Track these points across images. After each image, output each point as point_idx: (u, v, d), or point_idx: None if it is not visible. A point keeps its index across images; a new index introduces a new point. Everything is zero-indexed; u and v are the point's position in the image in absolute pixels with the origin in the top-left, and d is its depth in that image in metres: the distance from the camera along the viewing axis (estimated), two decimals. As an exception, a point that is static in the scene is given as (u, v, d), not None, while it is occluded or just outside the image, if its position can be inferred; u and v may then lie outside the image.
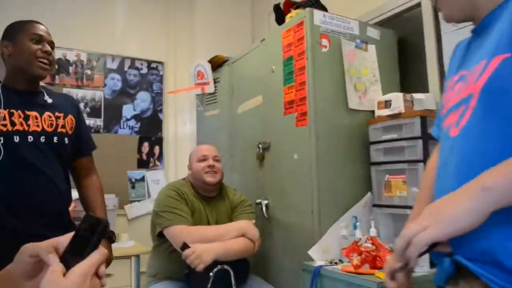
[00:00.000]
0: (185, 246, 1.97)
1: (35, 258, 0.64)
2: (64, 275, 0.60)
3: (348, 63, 2.25)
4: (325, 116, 2.17)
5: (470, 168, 0.84)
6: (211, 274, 2.06)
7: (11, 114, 1.61)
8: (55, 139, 1.70)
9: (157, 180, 3.42)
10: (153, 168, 3.50)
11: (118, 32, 3.51)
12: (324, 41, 2.23)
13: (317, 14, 2.24)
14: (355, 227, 2.02)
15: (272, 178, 2.44)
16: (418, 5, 2.42)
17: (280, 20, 2.61)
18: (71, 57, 3.34)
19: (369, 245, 1.78)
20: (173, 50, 3.65)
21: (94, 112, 3.37)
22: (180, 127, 3.59)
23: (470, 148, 0.87)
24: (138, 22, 3.57)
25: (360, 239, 1.87)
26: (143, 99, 3.53)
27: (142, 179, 3.43)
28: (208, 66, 3.13)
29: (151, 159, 3.50)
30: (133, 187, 3.41)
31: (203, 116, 3.29)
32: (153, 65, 3.60)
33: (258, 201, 2.48)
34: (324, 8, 2.46)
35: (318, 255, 2.04)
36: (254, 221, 2.25)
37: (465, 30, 2.11)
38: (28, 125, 1.63)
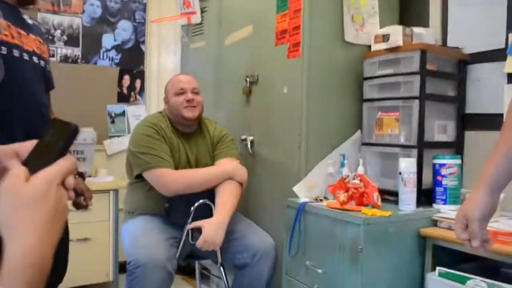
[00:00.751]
0: (193, 233, 1.90)
1: None
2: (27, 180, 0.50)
3: (347, -7, 2.09)
4: (319, 48, 2.03)
5: None
6: (192, 208, 2.00)
7: (8, 27, 1.38)
8: (42, 63, 1.51)
9: (138, 116, 3.27)
10: (134, 103, 3.34)
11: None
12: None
13: None
14: (342, 165, 1.95)
15: (259, 113, 2.33)
16: None
17: None
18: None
19: (357, 181, 1.71)
20: (158, -24, 3.40)
21: (72, 41, 3.16)
22: (163, 60, 3.39)
23: None
24: None
25: (348, 176, 1.79)
26: (124, 29, 3.31)
27: (123, 113, 3.28)
28: (195, -6, 2.92)
29: (132, 93, 3.34)
30: (112, 121, 3.26)
31: (189, 48, 3.11)
32: (136, -8, 3.35)
33: (243, 137, 2.38)
34: None
35: (304, 192, 1.97)
36: (238, 160, 2.16)
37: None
38: (22, 42, 1.42)
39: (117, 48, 3.29)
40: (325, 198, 1.91)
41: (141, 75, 3.36)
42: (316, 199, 1.90)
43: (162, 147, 2.01)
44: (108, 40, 3.26)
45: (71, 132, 0.56)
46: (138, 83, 3.35)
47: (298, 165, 2.03)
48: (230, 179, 2.05)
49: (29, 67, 1.43)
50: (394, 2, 2.31)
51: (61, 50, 3.12)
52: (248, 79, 2.36)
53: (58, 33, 3.11)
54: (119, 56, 3.29)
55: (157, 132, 2.04)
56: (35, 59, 1.46)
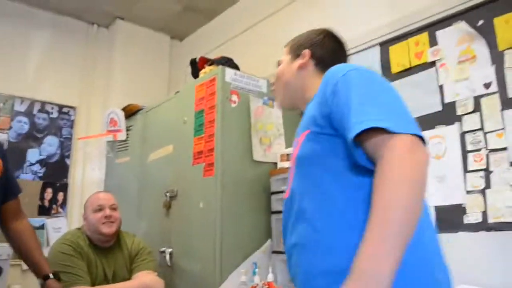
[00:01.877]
0: None
1: None
2: None
3: (255, 118, 2.42)
4: (231, 167, 2.28)
5: (296, 224, 1.06)
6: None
7: None
8: None
9: (59, 228, 3.26)
10: (55, 215, 3.35)
11: (31, 74, 3.44)
12: (234, 97, 2.39)
13: (229, 71, 2.41)
14: (254, 273, 2.10)
15: (177, 226, 2.47)
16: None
17: (195, 74, 2.76)
18: (-24, 96, 3.20)
19: (265, 289, 1.86)
20: (87, 96, 3.64)
21: (-5, 155, 3.20)
22: (88, 174, 3.50)
23: (295, 207, 1.08)
24: (52, 64, 3.54)
25: (257, 284, 1.94)
26: (50, 144, 3.43)
27: (42, 227, 3.26)
28: (121, 114, 3.16)
29: (54, 205, 3.36)
30: (31, 235, 3.21)
31: (113, 163, 3.27)
32: (65, 109, 3.54)
33: (162, 249, 2.48)
34: (236, 67, 2.65)
35: (219, 302, 2.07)
36: (156, 272, 2.23)
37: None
38: None
39: (42, 162, 3.37)
40: (238, 306, 2.02)
41: (64, 188, 3.43)
42: (230, 309, 2.00)
43: (78, 264, 2.04)
44: (33, 155, 3.34)
45: None
46: (61, 195, 3.40)
47: (214, 275, 2.14)
48: None
49: None
50: (298, 124, 2.67)
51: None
52: (168, 193, 2.53)
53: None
54: (43, 170, 3.36)
55: (74, 249, 2.07)
56: None
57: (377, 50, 2.34)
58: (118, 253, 2.23)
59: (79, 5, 3.55)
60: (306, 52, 1.28)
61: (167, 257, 2.44)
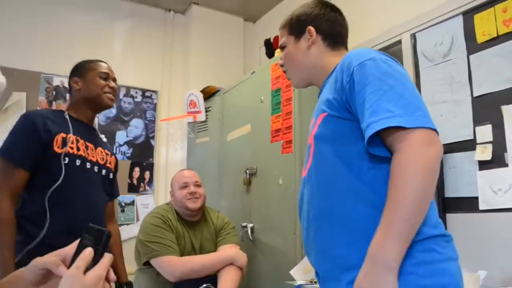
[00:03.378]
0: None
1: (44, 271, 0.71)
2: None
3: (331, 96, 2.42)
4: (309, 143, 2.31)
5: (314, 199, 1.12)
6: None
7: (77, 141, 1.79)
8: (104, 171, 1.90)
9: (147, 204, 3.51)
10: (143, 193, 3.59)
11: (115, 61, 3.67)
12: (310, 75, 2.40)
13: (304, 50, 2.42)
14: (335, 248, 2.13)
15: (257, 202, 2.56)
16: (399, 42, 2.62)
17: (270, 54, 2.80)
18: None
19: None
20: (167, 80, 3.82)
21: (88, 137, 3.49)
22: (171, 154, 3.71)
23: (312, 183, 1.13)
24: (134, 51, 3.74)
25: (338, 258, 1.97)
26: (136, 126, 3.66)
27: (132, 203, 3.52)
28: (200, 96, 3.29)
29: (142, 183, 3.60)
30: (122, 210, 3.49)
31: (194, 143, 3.42)
32: (148, 93, 3.75)
33: (244, 224, 2.59)
34: (310, 45, 2.64)
35: (300, 275, 2.13)
36: (239, 246, 2.34)
37: (440, 66, 2.30)
38: (87, 153, 1.82)
39: (129, 143, 3.61)
40: (319, 280, 2.07)
41: (150, 167, 3.66)
42: (311, 281, 2.06)
43: (168, 235, 2.20)
44: (121, 137, 3.59)
45: (106, 237, 0.73)
46: (147, 174, 3.63)
47: (294, 250, 2.21)
48: (231, 264, 2.21)
49: (89, 174, 1.83)
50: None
51: (78, 146, 3.43)
52: (247, 171, 2.63)
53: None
54: (130, 150, 3.61)
55: (164, 222, 2.23)
56: (96, 168, 1.85)
57: (459, 20, 2.22)
58: (204, 227, 2.36)
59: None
60: (311, 29, 1.27)
61: (249, 231, 2.55)
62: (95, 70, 1.89)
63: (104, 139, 2.03)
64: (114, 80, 1.96)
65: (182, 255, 2.22)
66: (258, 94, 2.64)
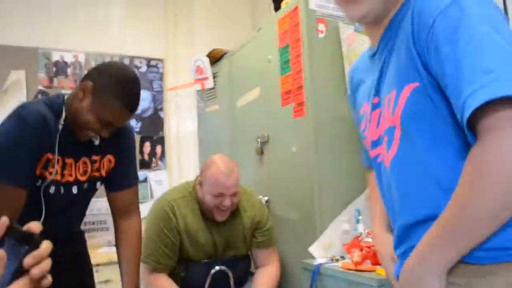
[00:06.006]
0: None
1: None
2: None
3: (347, 48, 2.12)
4: (324, 105, 2.04)
5: (407, 192, 0.89)
6: (208, 277, 1.97)
7: (57, 161, 1.44)
8: (86, 185, 1.56)
9: (160, 181, 3.34)
10: (156, 168, 3.42)
11: (116, 31, 3.44)
12: (321, 26, 2.11)
13: (313, -3, 2.12)
14: (357, 221, 1.90)
15: (272, 173, 2.33)
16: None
17: (278, 7, 2.51)
18: (69, 58, 3.28)
19: (370, 239, 1.65)
20: (172, 46, 3.56)
21: (95, 113, 3.31)
22: (181, 125, 3.49)
23: (405, 175, 0.88)
24: (135, 19, 3.49)
25: (361, 233, 1.74)
26: (143, 98, 3.39)
27: (145, 180, 3.35)
28: (206, 61, 3.03)
29: (153, 159, 3.42)
30: (135, 189, 3.33)
31: (204, 112, 3.19)
32: (153, 62, 3.51)
33: (259, 198, 2.37)
34: (321, -8, 2.33)
35: (320, 252, 1.92)
36: (276, 248, 2.11)
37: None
38: (63, 175, 1.48)
39: (137, 117, 3.41)
40: (342, 257, 1.85)
41: (161, 141, 3.46)
42: (333, 259, 1.84)
43: (165, 249, 1.92)
44: (128, 110, 3.39)
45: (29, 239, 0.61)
46: (158, 149, 3.44)
47: (314, 224, 1.99)
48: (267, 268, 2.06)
49: (63, 198, 1.49)
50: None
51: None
52: (259, 139, 2.39)
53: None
54: (139, 125, 3.41)
55: (169, 227, 1.94)
56: (74, 189, 1.51)
57: None
58: (233, 224, 2.03)
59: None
60: None
61: (265, 205, 2.33)
62: (104, 112, 1.39)
63: (96, 141, 1.53)
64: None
65: (199, 255, 1.97)
66: (266, 53, 2.37)
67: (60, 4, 3.26)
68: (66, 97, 1.49)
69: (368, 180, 1.22)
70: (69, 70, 3.28)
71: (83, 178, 1.53)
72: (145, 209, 3.17)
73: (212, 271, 1.96)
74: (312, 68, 2.03)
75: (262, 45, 2.44)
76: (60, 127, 1.42)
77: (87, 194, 1.60)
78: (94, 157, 1.55)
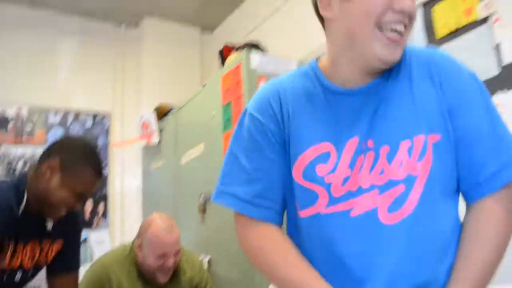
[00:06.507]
0: None
1: None
2: None
3: (288, 106, 2.16)
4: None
5: (426, 249, 0.81)
6: None
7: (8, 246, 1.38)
8: (30, 272, 1.47)
9: (102, 241, 3.16)
10: (97, 228, 3.25)
11: (62, 83, 3.38)
12: (262, 83, 2.14)
13: (254, 57, 2.17)
14: (299, 281, 1.84)
15: (214, 231, 2.27)
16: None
17: (223, 64, 2.56)
18: (10, 112, 3.17)
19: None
20: (119, 99, 3.51)
21: (35, 170, 3.17)
22: (126, 183, 3.38)
23: (424, 231, 0.81)
24: (83, 71, 3.45)
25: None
26: (87, 154, 3.35)
27: (84, 241, 3.17)
28: (153, 116, 3.01)
29: (95, 217, 3.26)
30: (75, 250, 3.14)
31: (149, 169, 3.12)
32: (98, 118, 3.44)
33: (201, 258, 2.28)
34: (263, 51, 2.40)
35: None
36: None
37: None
38: (11, 261, 1.40)
39: (80, 173, 3.29)
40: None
41: (103, 198, 3.32)
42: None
43: None
44: (71, 167, 3.27)
45: None
46: (101, 207, 3.30)
47: (253, 284, 1.94)
48: None
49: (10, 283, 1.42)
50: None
51: (25, 180, 3.11)
52: (202, 195, 2.33)
53: (20, 164, 3.13)
54: (81, 182, 3.28)
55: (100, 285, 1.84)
56: (17, 275, 1.43)
57: (419, 13, 1.99)
58: (172, 287, 1.93)
59: (106, 5, 3.42)
60: None
61: (206, 265, 2.24)
62: (77, 184, 1.38)
63: (48, 227, 1.47)
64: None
65: None
66: (210, 110, 2.37)
67: (3, 53, 3.19)
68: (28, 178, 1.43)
69: (273, 233, 0.91)
70: (10, 124, 3.16)
71: (29, 265, 1.45)
72: (82, 273, 3.01)
73: None
74: (253, 124, 2.04)
75: (206, 101, 2.46)
76: (20, 213, 1.36)
77: (27, 280, 1.51)
78: (45, 242, 1.48)
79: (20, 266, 1.42)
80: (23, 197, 1.37)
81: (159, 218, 1.91)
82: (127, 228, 3.21)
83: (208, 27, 3.85)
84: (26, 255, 1.42)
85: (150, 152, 3.10)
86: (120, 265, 1.90)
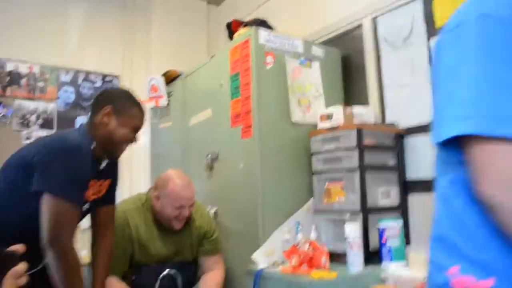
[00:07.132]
0: None
1: None
2: None
3: (292, 80, 2.40)
4: (269, 128, 2.30)
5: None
6: (157, 281, 2.13)
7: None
8: (87, 205, 1.81)
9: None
10: (107, 181, 3.51)
11: (73, 45, 3.55)
12: (269, 58, 2.37)
13: (262, 33, 2.38)
14: (297, 232, 2.15)
15: (220, 186, 2.55)
16: (360, 26, 2.63)
17: (231, 37, 2.75)
18: (24, 69, 3.35)
19: (306, 247, 1.92)
20: (128, 64, 3.71)
21: (47, 124, 3.38)
22: (134, 140, 3.62)
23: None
24: (93, 35, 3.62)
25: (299, 242, 1.99)
26: (97, 112, 3.56)
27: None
28: (161, 80, 3.22)
29: (105, 171, 3.52)
30: (86, 200, 3.41)
31: (157, 128, 3.36)
32: (108, 78, 3.65)
33: (207, 209, 2.57)
34: (270, 28, 2.61)
35: (262, 258, 2.14)
36: (221, 253, 2.32)
37: (401, 51, 2.30)
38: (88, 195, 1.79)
39: (90, 130, 3.51)
40: (282, 263, 2.09)
41: (113, 154, 3.57)
42: (274, 264, 2.08)
43: (118, 251, 2.03)
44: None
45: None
46: (110, 162, 3.55)
47: (257, 234, 2.21)
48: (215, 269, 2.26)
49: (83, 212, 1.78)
50: (337, 84, 2.65)
51: (36, 133, 3.32)
52: (209, 156, 2.60)
53: (33, 117, 3.33)
54: (92, 137, 3.51)
55: (122, 232, 2.08)
56: (86, 205, 1.79)
57: (419, 4, 2.21)
58: (183, 233, 2.22)
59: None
60: None
61: (212, 216, 2.53)
62: (132, 121, 1.80)
63: (103, 165, 1.85)
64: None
65: (149, 261, 2.14)
66: (218, 79, 2.60)
67: (17, 15, 3.33)
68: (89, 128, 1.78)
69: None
70: (23, 81, 3.34)
71: (91, 198, 1.81)
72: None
73: (161, 275, 2.13)
74: (260, 95, 2.29)
75: (215, 71, 2.67)
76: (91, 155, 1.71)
77: (89, 211, 1.88)
78: (101, 180, 1.87)
79: (86, 199, 1.78)
80: (91, 143, 1.71)
81: (176, 175, 2.19)
82: (136, 182, 3.48)
83: (214, 1, 4.01)
84: (91, 190, 1.79)
85: (159, 113, 3.33)
86: (137, 212, 2.18)
